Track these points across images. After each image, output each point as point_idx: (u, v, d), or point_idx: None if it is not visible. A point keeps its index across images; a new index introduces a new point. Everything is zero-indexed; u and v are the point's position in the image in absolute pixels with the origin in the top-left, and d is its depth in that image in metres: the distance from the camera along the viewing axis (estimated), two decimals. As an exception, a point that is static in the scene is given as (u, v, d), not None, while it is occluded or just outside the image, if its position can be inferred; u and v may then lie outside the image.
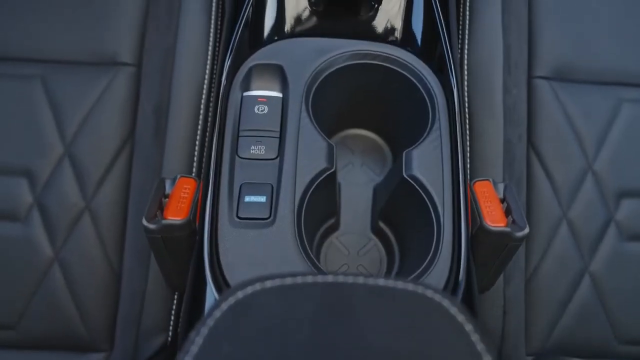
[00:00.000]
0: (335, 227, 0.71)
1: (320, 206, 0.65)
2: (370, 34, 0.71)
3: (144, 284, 0.74)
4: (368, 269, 0.68)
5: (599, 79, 0.84)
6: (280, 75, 0.67)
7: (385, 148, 0.77)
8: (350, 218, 0.72)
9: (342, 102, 0.73)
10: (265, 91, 0.66)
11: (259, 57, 0.68)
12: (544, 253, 0.81)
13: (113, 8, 0.82)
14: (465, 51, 0.78)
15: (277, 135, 0.63)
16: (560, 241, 0.81)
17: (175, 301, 0.76)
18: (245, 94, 0.65)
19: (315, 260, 0.56)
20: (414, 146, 0.64)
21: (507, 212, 0.62)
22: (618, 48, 0.84)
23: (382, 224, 0.70)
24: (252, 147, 0.62)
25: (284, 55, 0.68)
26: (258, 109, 0.64)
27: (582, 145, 0.82)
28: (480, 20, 0.79)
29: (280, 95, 0.65)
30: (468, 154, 0.74)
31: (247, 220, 0.57)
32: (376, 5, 0.71)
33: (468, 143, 0.75)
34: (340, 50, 0.69)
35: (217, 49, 0.77)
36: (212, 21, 0.77)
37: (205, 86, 0.75)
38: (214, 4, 0.78)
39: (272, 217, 0.57)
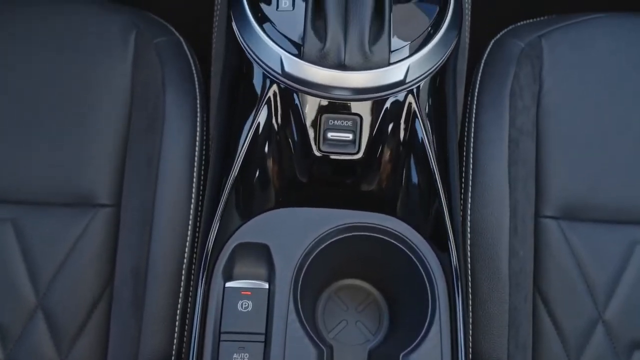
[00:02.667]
0: None
1: None
2: (363, 203, 0.65)
3: None
4: None
5: (610, 218, 0.78)
6: (266, 257, 0.62)
7: (382, 302, 0.72)
8: None
9: (334, 264, 0.68)
10: (250, 280, 0.61)
11: (243, 234, 0.63)
12: None
13: (90, 146, 0.76)
14: (468, 211, 0.72)
15: (262, 339, 0.58)
16: None
17: None
18: (228, 284, 0.60)
19: None
20: (411, 347, 0.59)
21: None
22: (632, 185, 0.79)
23: None
24: (235, 356, 0.57)
25: (271, 232, 0.63)
26: (242, 305, 0.59)
27: (592, 292, 0.76)
28: (485, 177, 0.73)
29: (265, 286, 0.60)
30: (470, 336, 0.69)
31: None
32: (372, 179, 0.65)
33: (470, 312, 0.70)
34: (331, 224, 0.63)
35: (199, 210, 0.71)
36: (195, 179, 0.72)
37: (186, 256, 0.70)
38: (196, 160, 0.73)
39: None
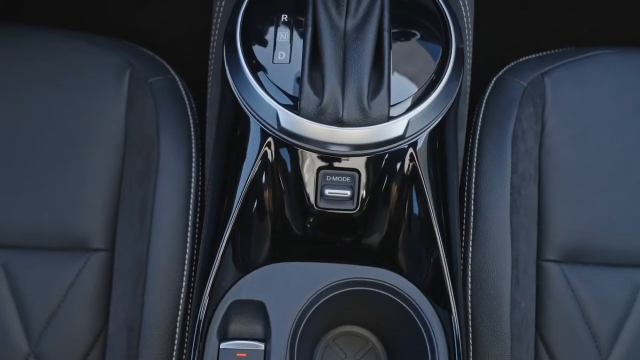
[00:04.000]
0: None
1: None
2: (361, 257, 0.64)
3: None
4: None
5: (614, 262, 0.77)
6: (262, 314, 0.60)
7: (381, 350, 0.70)
8: None
9: (331, 317, 0.67)
10: (245, 341, 0.59)
11: (238, 290, 0.61)
12: None
13: (83, 189, 0.75)
14: (469, 261, 0.70)
15: None
16: None
17: None
18: (223, 346, 0.59)
19: None
20: None
21: None
22: (636, 227, 0.77)
23: None
24: None
25: (267, 288, 0.61)
26: None
27: (596, 337, 0.75)
28: (487, 227, 0.71)
29: (261, 347, 0.59)
30: None
31: None
32: (370, 233, 0.64)
33: None
34: (328, 280, 0.62)
35: (194, 261, 0.70)
36: (190, 228, 0.70)
37: (180, 310, 0.68)
38: (191, 207, 0.71)
39: None
